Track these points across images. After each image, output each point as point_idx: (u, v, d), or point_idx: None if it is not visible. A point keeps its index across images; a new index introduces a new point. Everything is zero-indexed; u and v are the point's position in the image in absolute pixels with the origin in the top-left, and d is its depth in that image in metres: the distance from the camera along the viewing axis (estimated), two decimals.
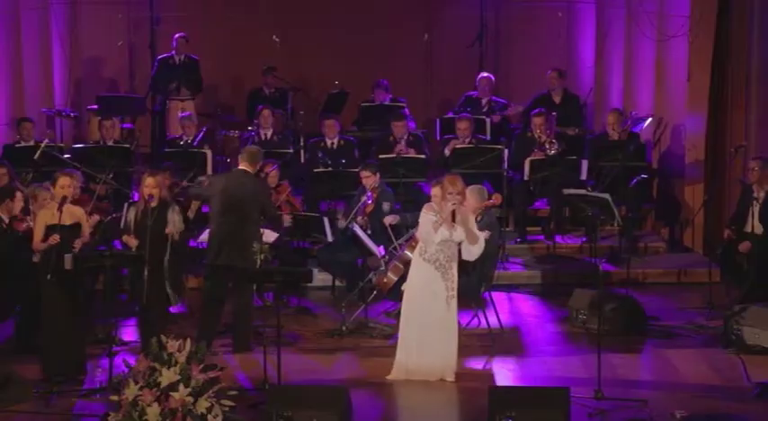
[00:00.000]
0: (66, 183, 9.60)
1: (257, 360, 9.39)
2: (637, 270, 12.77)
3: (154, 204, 9.80)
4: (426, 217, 9.38)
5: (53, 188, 9.61)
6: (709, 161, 13.61)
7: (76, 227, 9.51)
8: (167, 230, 9.79)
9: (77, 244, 9.48)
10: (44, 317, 9.45)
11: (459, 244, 9.42)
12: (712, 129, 13.58)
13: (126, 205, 10.92)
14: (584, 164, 13.19)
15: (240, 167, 10.44)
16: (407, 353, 9.42)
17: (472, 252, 9.46)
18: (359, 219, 11.77)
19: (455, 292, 9.41)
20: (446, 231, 9.30)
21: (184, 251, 10.85)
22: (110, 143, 13.75)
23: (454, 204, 9.29)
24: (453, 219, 9.29)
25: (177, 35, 15.26)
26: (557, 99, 14.60)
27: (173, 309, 10.56)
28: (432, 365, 9.36)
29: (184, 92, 15.26)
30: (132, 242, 9.77)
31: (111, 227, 11.08)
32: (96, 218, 10.70)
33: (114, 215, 11.64)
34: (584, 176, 13.17)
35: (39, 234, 9.51)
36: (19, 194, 10.64)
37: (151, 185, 9.80)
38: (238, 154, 10.88)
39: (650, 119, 14.20)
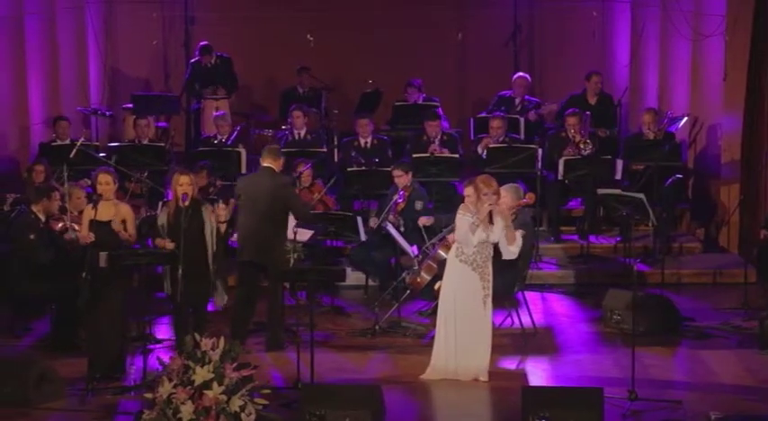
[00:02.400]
0: (104, 180, 9.67)
1: (290, 359, 9.40)
2: (672, 270, 12.69)
3: (187, 204, 9.78)
4: (464, 219, 9.33)
5: (96, 184, 9.70)
6: (745, 161, 13.51)
7: (113, 224, 9.57)
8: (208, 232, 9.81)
9: (123, 235, 9.53)
10: (84, 316, 9.54)
11: (496, 244, 9.40)
12: (748, 129, 13.49)
13: (160, 205, 10.97)
14: (619, 163, 13.13)
15: (264, 165, 10.45)
16: (444, 353, 9.40)
17: (511, 251, 9.44)
18: (390, 217, 11.77)
19: (491, 292, 9.40)
20: (483, 233, 9.28)
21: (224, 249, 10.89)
22: (144, 142, 13.82)
23: (491, 204, 9.26)
24: (491, 221, 9.28)
25: (200, 45, 15.27)
26: (592, 100, 14.53)
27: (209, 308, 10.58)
28: (467, 366, 9.34)
29: (220, 91, 15.31)
30: (169, 245, 9.74)
31: (147, 224, 11.12)
32: None
33: (149, 213, 11.71)
34: (618, 176, 13.11)
35: (85, 229, 9.63)
36: (56, 193, 10.71)
37: (186, 183, 9.76)
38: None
39: (686, 118, 14.12)
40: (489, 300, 9.37)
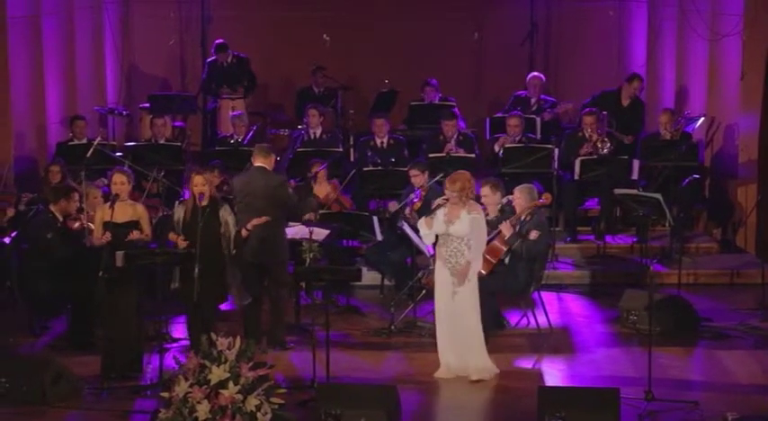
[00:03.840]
0: (119, 180, 9.69)
1: (306, 358, 9.40)
2: (688, 271, 12.65)
3: (204, 203, 9.79)
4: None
5: (111, 184, 9.73)
6: (762, 161, 13.47)
7: (131, 224, 9.59)
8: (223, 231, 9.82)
9: (134, 235, 9.55)
10: (100, 315, 9.56)
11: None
12: (766, 129, 13.46)
13: (176, 203, 10.99)
14: (636, 164, 13.10)
15: (257, 164, 10.44)
16: (441, 350, 9.45)
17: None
18: (407, 210, 11.74)
19: (464, 289, 9.25)
20: (443, 225, 9.29)
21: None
22: (161, 141, 13.85)
23: (445, 199, 9.30)
24: (431, 212, 9.31)
25: (215, 43, 15.29)
26: (625, 102, 14.44)
27: (223, 307, 10.58)
28: (466, 364, 9.35)
29: (238, 90, 15.32)
30: (182, 243, 9.74)
31: (163, 224, 11.13)
32: None
33: (166, 213, 11.72)
34: (635, 176, 13.09)
35: (98, 230, 9.67)
36: (75, 194, 10.72)
37: (200, 183, 9.78)
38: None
39: (703, 118, 14.09)
40: (459, 296, 9.27)
